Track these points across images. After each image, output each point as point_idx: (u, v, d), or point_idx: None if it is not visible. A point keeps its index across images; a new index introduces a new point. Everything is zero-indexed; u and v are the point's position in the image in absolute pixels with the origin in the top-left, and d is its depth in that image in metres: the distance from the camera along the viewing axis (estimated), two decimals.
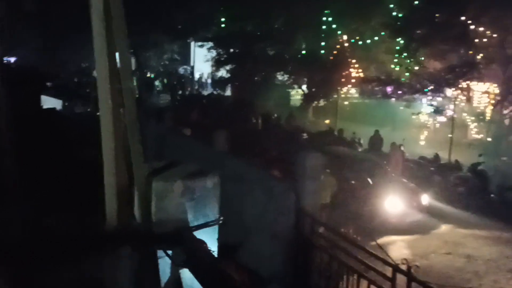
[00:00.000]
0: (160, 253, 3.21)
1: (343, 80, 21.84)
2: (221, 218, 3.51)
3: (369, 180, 11.06)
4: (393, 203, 10.47)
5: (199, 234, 3.40)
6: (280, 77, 25.02)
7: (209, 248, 3.28)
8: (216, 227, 3.48)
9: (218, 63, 25.33)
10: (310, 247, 6.44)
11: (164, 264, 3.20)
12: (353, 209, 8.34)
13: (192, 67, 33.57)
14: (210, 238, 3.40)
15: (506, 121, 18.99)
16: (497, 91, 18.41)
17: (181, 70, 32.67)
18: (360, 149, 16.88)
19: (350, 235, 7.12)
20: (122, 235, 3.22)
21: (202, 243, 3.19)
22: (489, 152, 16.17)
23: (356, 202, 8.99)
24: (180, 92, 28.44)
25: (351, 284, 5.99)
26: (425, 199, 11.43)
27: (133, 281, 3.20)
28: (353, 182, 10.57)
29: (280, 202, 6.67)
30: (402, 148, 15.91)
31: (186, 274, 3.15)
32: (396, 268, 5.27)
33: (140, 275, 3.18)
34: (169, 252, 3.16)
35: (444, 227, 10.67)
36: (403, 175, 13.19)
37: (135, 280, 3.19)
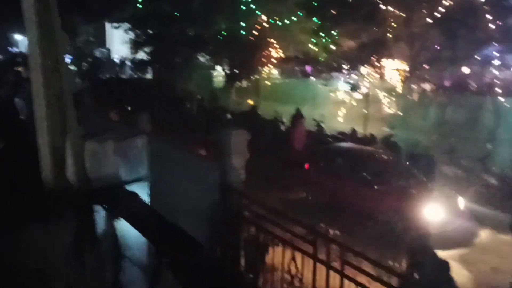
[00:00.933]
0: (96, 207, 3.27)
1: (263, 60, 22.22)
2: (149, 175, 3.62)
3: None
4: (433, 211, 9.01)
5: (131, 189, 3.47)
6: (202, 58, 24.93)
7: (142, 199, 3.38)
8: (147, 182, 3.58)
9: (136, 45, 24.62)
10: (238, 221, 6.66)
11: (100, 218, 3.27)
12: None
13: (109, 50, 32.33)
14: (142, 192, 3.49)
15: (415, 96, 20.47)
16: (406, 67, 19.71)
17: (97, 53, 31.36)
18: (282, 127, 17.39)
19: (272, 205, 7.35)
20: (59, 194, 3.23)
21: (135, 195, 3.30)
22: (400, 125, 17.44)
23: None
24: (97, 76, 27.34)
25: (278, 253, 6.32)
26: (462, 202, 10.12)
27: (73, 237, 3.23)
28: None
29: (206, 180, 6.81)
30: (321, 124, 16.67)
31: (121, 225, 3.24)
32: (316, 231, 5.64)
33: (79, 230, 3.22)
34: (105, 206, 3.22)
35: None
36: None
37: (75, 235, 3.23)
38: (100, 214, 3.29)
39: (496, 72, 18.84)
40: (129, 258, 3.11)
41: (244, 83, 25.07)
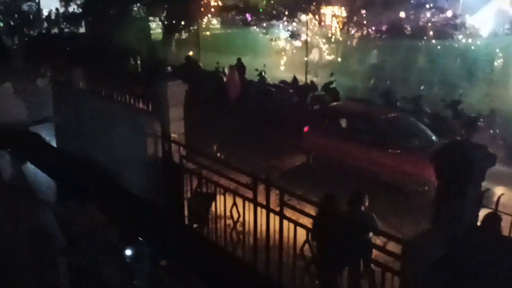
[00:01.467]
0: None
1: (202, 10, 21.66)
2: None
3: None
4: None
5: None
6: (137, 9, 23.95)
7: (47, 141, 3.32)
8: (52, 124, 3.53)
9: None
10: (180, 171, 6.75)
11: (5, 162, 3.20)
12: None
13: (38, 3, 30.26)
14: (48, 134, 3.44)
15: (353, 41, 20.84)
16: (344, 14, 19.90)
17: (25, 7, 29.30)
18: (225, 78, 17.31)
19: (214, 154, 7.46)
20: None
21: (38, 137, 3.23)
22: (340, 71, 17.78)
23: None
24: (27, 31, 25.70)
25: (221, 201, 6.51)
26: None
27: None
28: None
29: (146, 132, 6.80)
30: (262, 73, 16.71)
31: (28, 168, 3.19)
32: (255, 177, 5.83)
33: None
34: (8, 149, 3.15)
35: None
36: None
37: None
38: (3, 159, 3.21)
39: (429, 16, 19.46)
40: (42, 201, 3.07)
41: (184, 35, 24.47)
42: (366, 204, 6.04)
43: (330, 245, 5.25)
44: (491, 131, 12.07)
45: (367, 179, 8.68)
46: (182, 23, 22.69)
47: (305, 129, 11.47)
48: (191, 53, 22.37)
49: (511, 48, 17.31)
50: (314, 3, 18.68)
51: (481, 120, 12.27)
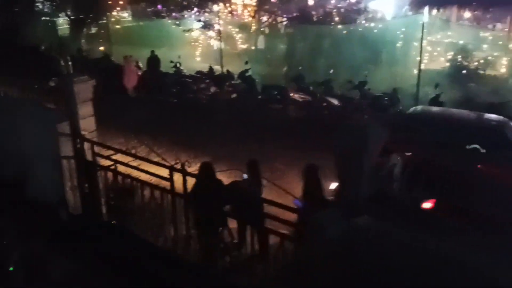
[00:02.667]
0: None
1: (110, 3, 21.00)
2: None
3: None
4: None
5: None
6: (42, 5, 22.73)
7: None
8: None
9: None
10: (93, 168, 6.65)
11: None
12: None
13: None
14: None
15: (265, 29, 21.30)
16: (254, 2, 20.24)
17: None
18: (139, 72, 17.03)
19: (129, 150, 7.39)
20: None
21: None
22: (254, 59, 18.15)
23: None
24: None
25: (138, 194, 6.52)
26: None
27: None
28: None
29: (56, 130, 6.59)
30: (178, 65, 16.64)
31: None
32: (172, 168, 5.92)
33: None
34: None
35: None
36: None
37: None
38: None
39: (334, 2, 20.33)
40: None
41: (93, 30, 23.57)
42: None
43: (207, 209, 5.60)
44: (395, 108, 13.05)
45: None
46: (89, 17, 21.85)
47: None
48: (102, 47, 21.72)
49: (410, 29, 18.64)
50: None
51: (385, 98, 13.21)
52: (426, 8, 16.58)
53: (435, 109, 10.59)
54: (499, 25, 19.59)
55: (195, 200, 5.80)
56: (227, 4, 19.70)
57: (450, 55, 15.74)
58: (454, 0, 16.38)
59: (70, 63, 14.20)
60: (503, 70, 15.62)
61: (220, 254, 5.93)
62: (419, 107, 10.78)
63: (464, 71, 14.64)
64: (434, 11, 17.26)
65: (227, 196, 5.78)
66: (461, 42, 16.43)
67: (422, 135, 8.89)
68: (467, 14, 19.04)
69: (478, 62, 14.87)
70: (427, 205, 6.48)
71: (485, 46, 16.65)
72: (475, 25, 20.01)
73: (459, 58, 15.00)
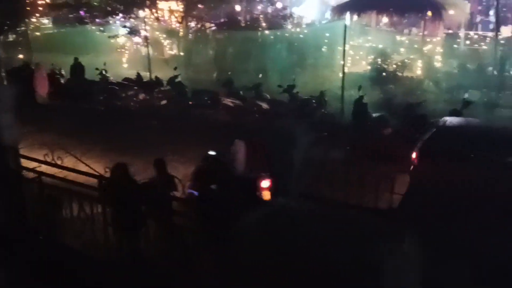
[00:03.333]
0: None
1: (28, 9, 19.97)
2: None
3: None
4: None
5: None
6: None
7: None
8: None
9: None
10: (18, 180, 6.33)
11: None
12: None
13: None
14: None
15: (194, 35, 21.26)
16: (181, 8, 20.16)
17: None
18: (62, 80, 16.37)
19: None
20: None
21: None
22: (183, 65, 18.08)
23: None
24: None
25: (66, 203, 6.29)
26: None
27: None
28: None
29: None
30: (104, 72, 16.18)
31: None
32: (101, 177, 5.80)
33: None
34: None
35: None
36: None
37: None
38: None
39: (261, 8, 20.77)
40: None
41: (11, 37, 22.28)
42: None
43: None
44: (322, 110, 13.55)
45: None
46: (6, 24, 20.61)
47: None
48: (21, 56, 20.61)
49: (333, 34, 19.44)
50: None
51: (313, 101, 13.69)
52: (348, 14, 17.48)
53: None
54: (414, 30, 20.95)
55: (110, 201, 5.82)
56: (153, 10, 19.46)
57: (371, 58, 16.59)
58: (373, 6, 17.28)
59: None
60: (418, 72, 16.71)
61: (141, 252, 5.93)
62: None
63: (384, 74, 15.49)
64: (355, 17, 18.13)
65: (141, 195, 5.84)
66: (380, 46, 17.38)
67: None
68: (385, 19, 20.17)
69: (396, 65, 15.80)
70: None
71: (402, 49, 17.74)
72: (393, 30, 21.29)
73: (379, 61, 15.84)
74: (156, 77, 16.50)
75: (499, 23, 19.08)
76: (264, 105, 13.79)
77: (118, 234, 5.91)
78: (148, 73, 17.36)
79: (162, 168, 6.48)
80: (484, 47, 18.39)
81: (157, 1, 19.38)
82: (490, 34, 18.92)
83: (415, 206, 6.90)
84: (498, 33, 18.36)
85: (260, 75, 15.59)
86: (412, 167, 7.93)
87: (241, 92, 14.56)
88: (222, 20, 20.11)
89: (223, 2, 19.25)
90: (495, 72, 14.77)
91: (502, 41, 18.70)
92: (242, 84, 14.83)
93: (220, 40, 19.20)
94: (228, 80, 15.16)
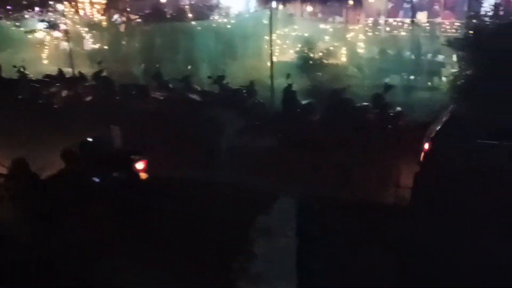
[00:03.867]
0: None
1: None
2: None
3: None
4: None
5: None
6: None
7: None
8: None
9: None
10: None
11: None
12: None
13: None
14: None
15: (119, 28, 20.58)
16: (103, 1, 19.44)
17: None
18: None
19: None
20: None
21: None
22: (109, 59, 17.45)
23: None
24: None
25: None
26: None
27: None
28: None
29: None
30: (22, 69, 15.27)
31: None
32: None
33: None
34: None
35: None
36: None
37: None
38: None
39: None
40: None
41: None
42: None
43: None
44: (253, 99, 13.64)
45: None
46: None
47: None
48: None
49: (260, 24, 19.62)
50: None
51: (244, 91, 13.74)
52: (273, 3, 17.68)
53: None
54: (338, 18, 21.61)
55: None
56: (73, 3, 18.58)
57: (297, 47, 16.91)
58: None
59: None
60: (343, 59, 17.29)
61: None
62: None
63: (310, 62, 15.86)
64: (280, 6, 18.40)
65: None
66: (306, 34, 17.78)
67: None
68: (309, 8, 20.64)
69: (322, 53, 16.22)
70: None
71: (326, 37, 18.25)
72: (318, 18, 21.83)
73: (305, 49, 16.18)
74: (79, 72, 15.80)
75: (414, 9, 20.19)
76: (195, 97, 13.66)
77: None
78: (70, 69, 16.60)
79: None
80: (403, 33, 19.37)
81: None
82: (408, 20, 19.85)
83: (430, 197, 7.02)
84: (414, 19, 19.43)
85: (189, 67, 15.42)
86: (423, 156, 7.71)
87: (170, 85, 14.32)
88: (147, 11, 19.63)
89: None
90: (413, 57, 15.59)
91: (417, 27, 19.84)
92: (171, 76, 14.58)
93: (146, 32, 18.72)
94: (156, 73, 14.83)
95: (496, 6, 10.67)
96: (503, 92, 8.74)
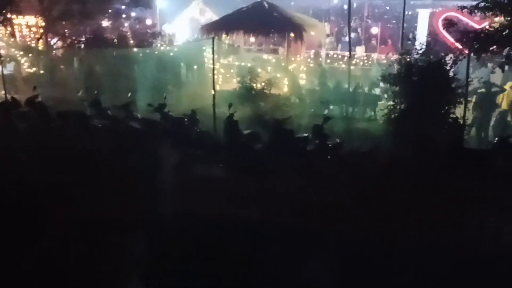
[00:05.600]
0: None
1: None
2: None
3: None
4: None
5: None
6: None
7: None
8: None
9: None
10: None
11: None
12: None
13: None
14: None
15: (57, 52, 19.97)
16: (41, 23, 18.82)
17: None
18: None
19: None
20: None
21: None
22: (45, 84, 16.78)
23: None
24: None
25: None
26: None
27: None
28: None
29: None
30: None
31: None
32: None
33: None
34: None
35: None
36: None
37: None
38: None
39: (129, 25, 20.28)
40: None
41: None
42: None
43: None
44: (194, 128, 13.54)
45: None
46: None
47: None
48: None
49: (204, 53, 19.74)
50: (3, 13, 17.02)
51: (185, 120, 13.61)
52: (217, 33, 17.90)
53: None
54: (281, 49, 22.18)
55: None
56: (8, 25, 17.85)
57: (240, 76, 17.09)
58: (239, 26, 17.93)
59: None
60: (285, 89, 17.67)
61: None
62: None
63: (253, 91, 16.04)
64: (224, 36, 18.64)
65: None
66: (249, 64, 18.04)
67: None
68: (252, 39, 21.05)
69: (264, 83, 16.48)
70: None
71: (269, 68, 18.61)
72: (260, 49, 22.30)
73: (248, 79, 16.38)
74: (12, 97, 15.07)
75: (354, 43, 21.13)
76: (135, 125, 13.38)
77: None
78: (3, 93, 15.82)
79: None
80: (343, 65, 20.15)
81: (12, 17, 17.80)
82: (347, 53, 20.74)
83: None
84: (353, 52, 20.31)
85: (129, 94, 15.09)
86: None
87: (109, 112, 13.96)
88: (87, 36, 19.22)
89: (88, 18, 18.40)
90: (350, 89, 16.17)
91: (356, 60, 20.75)
92: (111, 103, 14.23)
93: (86, 58, 18.25)
94: (95, 100, 14.41)
95: (426, 45, 11.36)
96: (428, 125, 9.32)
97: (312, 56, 22.67)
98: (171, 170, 10.55)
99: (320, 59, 22.76)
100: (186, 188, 9.63)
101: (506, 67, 10.95)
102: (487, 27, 11.53)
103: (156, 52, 18.69)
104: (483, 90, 13.55)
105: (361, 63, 21.42)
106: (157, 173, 10.08)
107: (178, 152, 11.49)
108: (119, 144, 12.25)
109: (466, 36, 10.97)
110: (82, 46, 18.84)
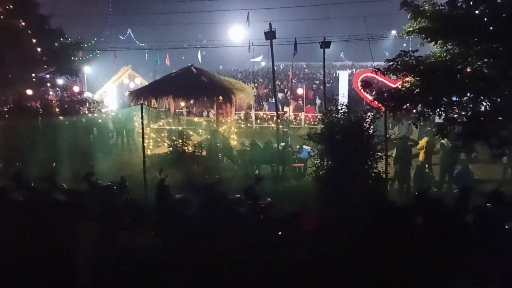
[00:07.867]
0: None
1: None
2: None
3: None
4: None
5: None
6: None
7: None
8: None
9: None
10: None
11: None
12: None
13: None
14: None
15: None
16: None
17: None
18: None
19: None
20: None
21: None
22: None
23: None
24: None
25: None
26: None
27: None
28: None
29: None
30: None
31: None
32: None
33: None
34: None
35: None
36: None
37: None
38: None
39: (54, 93, 19.84)
40: None
41: None
42: None
43: None
44: (124, 195, 13.14)
45: None
46: None
47: None
48: None
49: (132, 118, 19.63)
50: None
51: (114, 187, 13.21)
52: (146, 99, 17.93)
53: None
54: (212, 111, 22.58)
55: None
56: None
57: (171, 140, 17.07)
58: (167, 92, 18.10)
59: None
60: (217, 151, 17.79)
61: None
62: None
63: (184, 155, 16.02)
64: (153, 100, 18.68)
65: None
66: (180, 128, 18.12)
67: None
68: (182, 103, 21.27)
69: (195, 145, 16.55)
70: None
71: (200, 130, 18.80)
72: (191, 112, 22.50)
73: (180, 143, 16.38)
74: None
75: (281, 104, 21.92)
76: (61, 197, 12.76)
77: None
78: None
79: None
80: (273, 125, 20.77)
81: None
82: (275, 113, 21.48)
83: None
84: (280, 112, 21.05)
85: (54, 164, 14.53)
86: None
87: (32, 184, 13.27)
88: (9, 106, 18.52)
89: (9, 87, 17.83)
90: (280, 147, 16.60)
91: (285, 120, 21.46)
92: (34, 175, 13.58)
93: (6, 128, 17.46)
94: (16, 172, 13.69)
95: (346, 105, 12.04)
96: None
97: (242, 117, 23.23)
98: (91, 243, 10.06)
99: (250, 119, 23.37)
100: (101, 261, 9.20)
101: (421, 123, 11.71)
102: (400, 86, 12.46)
103: (83, 120, 18.31)
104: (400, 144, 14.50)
105: (290, 123, 22.25)
106: (74, 248, 9.56)
107: (103, 222, 11.04)
108: (38, 218, 11.60)
109: (381, 95, 11.75)
110: (3, 115, 18.05)
